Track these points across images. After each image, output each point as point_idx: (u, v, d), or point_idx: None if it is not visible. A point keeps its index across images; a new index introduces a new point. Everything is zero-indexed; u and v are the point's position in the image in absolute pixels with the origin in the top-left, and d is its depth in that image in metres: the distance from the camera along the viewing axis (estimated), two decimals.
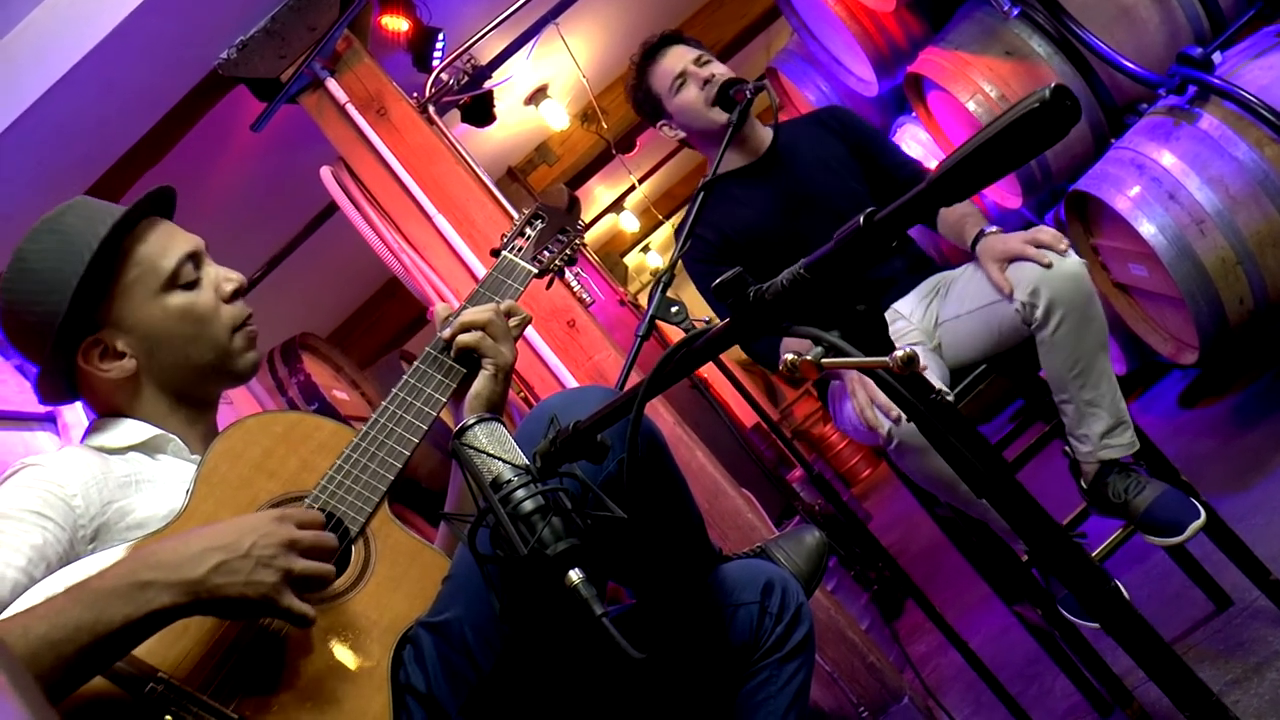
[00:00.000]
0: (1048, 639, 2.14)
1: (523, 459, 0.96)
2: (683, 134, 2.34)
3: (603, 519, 0.92)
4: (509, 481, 0.93)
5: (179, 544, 1.00)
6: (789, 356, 0.65)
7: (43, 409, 2.22)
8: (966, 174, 0.57)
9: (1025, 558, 1.97)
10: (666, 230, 8.51)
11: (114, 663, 0.96)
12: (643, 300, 7.26)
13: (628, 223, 7.72)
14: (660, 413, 2.76)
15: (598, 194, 6.92)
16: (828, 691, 2.40)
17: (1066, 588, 1.88)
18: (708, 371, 4.16)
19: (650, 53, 2.32)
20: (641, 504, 0.91)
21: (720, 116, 2.20)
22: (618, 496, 0.94)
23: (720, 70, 2.25)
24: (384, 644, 1.12)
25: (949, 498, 1.95)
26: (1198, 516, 1.81)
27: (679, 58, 2.27)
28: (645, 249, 9.04)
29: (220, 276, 1.38)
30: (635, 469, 0.85)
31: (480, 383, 1.38)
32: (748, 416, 5.99)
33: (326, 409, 3.42)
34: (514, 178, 5.38)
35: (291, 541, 1.03)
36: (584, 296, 2.86)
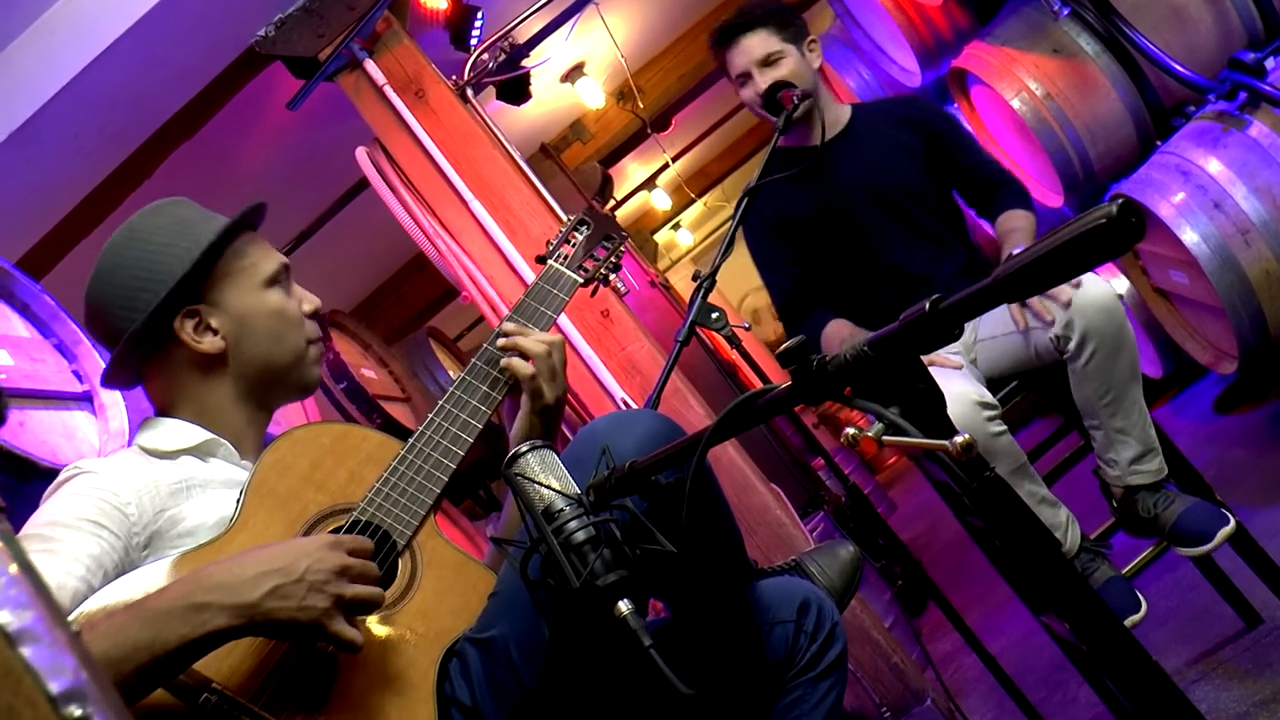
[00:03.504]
0: (1073, 647, 2.14)
1: (574, 488, 0.98)
2: None
3: (652, 551, 0.94)
4: (561, 511, 0.95)
5: (235, 566, 1.03)
6: (850, 431, 0.66)
7: (80, 388, 2.24)
8: (1027, 278, 0.58)
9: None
10: (698, 208, 8.48)
11: (171, 680, 0.99)
12: (672, 279, 7.24)
13: (659, 200, 7.69)
14: (690, 404, 2.77)
15: (630, 171, 6.88)
16: (850, 691, 2.42)
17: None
18: (736, 358, 4.15)
19: (725, 37, 2.23)
20: (688, 534, 0.92)
21: (771, 119, 2.17)
22: (664, 524, 0.96)
23: (783, 72, 2.16)
24: (430, 657, 1.15)
25: None
26: (1227, 523, 1.82)
27: (747, 55, 2.18)
28: (676, 226, 9.01)
29: (303, 295, 1.43)
30: (693, 524, 0.87)
31: (524, 420, 1.39)
32: None
33: (355, 388, 3.44)
34: (547, 154, 5.35)
35: (343, 568, 1.05)
36: (619, 287, 2.85)
